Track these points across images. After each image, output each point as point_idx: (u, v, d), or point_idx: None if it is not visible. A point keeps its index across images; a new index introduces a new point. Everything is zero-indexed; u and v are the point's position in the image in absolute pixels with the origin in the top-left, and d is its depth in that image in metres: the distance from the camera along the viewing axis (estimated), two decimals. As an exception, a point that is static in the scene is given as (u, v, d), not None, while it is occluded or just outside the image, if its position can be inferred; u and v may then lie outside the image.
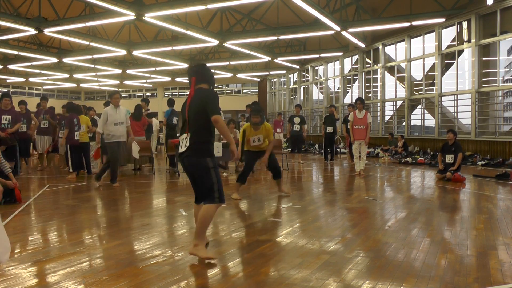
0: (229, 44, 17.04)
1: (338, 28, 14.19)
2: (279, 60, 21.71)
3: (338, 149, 16.82)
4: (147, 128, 11.47)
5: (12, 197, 6.27)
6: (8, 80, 31.33)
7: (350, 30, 14.67)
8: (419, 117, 16.90)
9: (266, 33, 16.76)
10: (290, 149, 14.29)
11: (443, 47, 15.17)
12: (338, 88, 22.24)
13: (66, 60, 21.49)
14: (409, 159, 13.76)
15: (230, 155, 3.93)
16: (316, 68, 24.44)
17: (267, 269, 3.46)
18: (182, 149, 3.81)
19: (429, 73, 16.24)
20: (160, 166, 12.33)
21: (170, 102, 11.75)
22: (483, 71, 13.62)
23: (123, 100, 13.96)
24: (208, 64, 21.51)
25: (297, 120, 13.19)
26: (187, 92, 38.32)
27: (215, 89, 4.01)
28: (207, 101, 3.75)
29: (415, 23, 13.99)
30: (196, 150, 3.74)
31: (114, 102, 8.25)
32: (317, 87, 24.72)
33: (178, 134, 11.39)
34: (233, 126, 11.42)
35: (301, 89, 26.22)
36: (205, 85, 3.91)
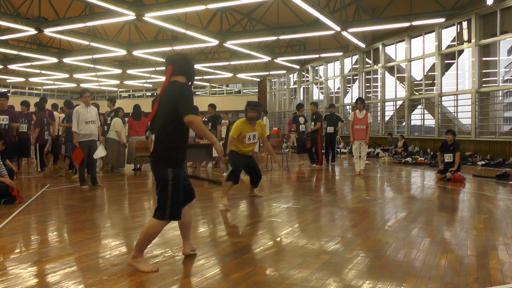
0: (229, 44, 17.04)
1: (338, 28, 14.19)
2: (279, 60, 21.72)
3: (338, 149, 16.82)
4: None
5: (10, 197, 6.27)
6: (8, 80, 31.34)
7: (350, 30, 14.68)
8: (419, 117, 16.91)
9: (266, 33, 16.77)
10: (296, 150, 14.25)
11: (443, 47, 15.17)
12: (338, 88, 22.25)
13: (66, 60, 21.50)
14: (409, 159, 13.77)
15: (218, 156, 3.54)
16: (316, 68, 24.45)
17: (267, 269, 3.46)
18: (151, 150, 3.48)
19: (429, 73, 16.24)
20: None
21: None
22: (483, 71, 13.62)
23: (123, 100, 13.99)
24: (208, 64, 21.52)
25: (302, 120, 13.21)
26: (187, 92, 38.66)
27: (191, 85, 3.56)
28: (179, 97, 3.27)
29: (415, 23, 13.99)
30: (158, 156, 3.36)
31: (84, 101, 8.11)
32: (317, 87, 24.72)
33: None
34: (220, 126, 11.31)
35: (301, 89, 26.22)
36: (182, 78, 3.45)
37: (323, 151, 12.89)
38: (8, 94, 9.77)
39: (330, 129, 12.86)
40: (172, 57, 3.53)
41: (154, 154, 3.37)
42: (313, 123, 12.90)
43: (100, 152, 8.62)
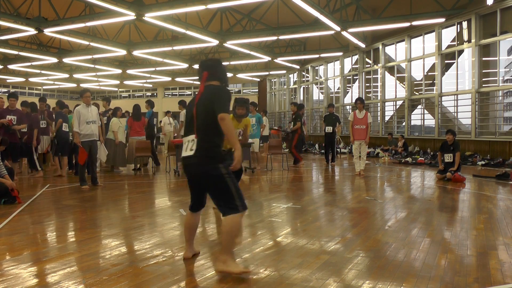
0: (229, 44, 17.04)
1: (338, 28, 14.19)
2: (279, 60, 21.72)
3: (338, 149, 16.83)
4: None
5: (9, 197, 6.27)
6: (8, 80, 31.34)
7: (350, 30, 14.67)
8: (419, 117, 16.91)
9: (266, 33, 16.76)
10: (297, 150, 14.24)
11: (443, 47, 15.17)
12: (338, 88, 22.24)
13: (66, 60, 21.50)
14: (409, 159, 13.76)
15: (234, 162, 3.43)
16: (316, 68, 24.44)
17: (267, 269, 3.46)
18: (186, 152, 3.40)
19: (429, 73, 16.24)
20: (160, 166, 12.32)
21: (150, 104, 11.75)
22: (483, 71, 13.62)
23: (123, 100, 14.00)
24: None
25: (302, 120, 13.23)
26: (187, 92, 38.38)
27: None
28: (215, 98, 3.37)
29: (415, 23, 13.99)
30: (205, 156, 3.33)
31: (85, 101, 8.13)
32: (317, 87, 24.72)
33: (181, 134, 11.38)
34: None
35: (301, 89, 26.22)
36: (217, 83, 3.54)
37: (322, 150, 12.86)
38: (7, 94, 9.74)
39: (329, 129, 12.85)
40: (206, 62, 3.63)
41: (200, 155, 3.32)
42: (292, 123, 12.90)
43: (102, 152, 8.65)
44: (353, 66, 20.95)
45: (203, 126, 3.38)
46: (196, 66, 23.74)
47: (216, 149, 3.37)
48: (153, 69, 25.42)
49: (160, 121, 17.23)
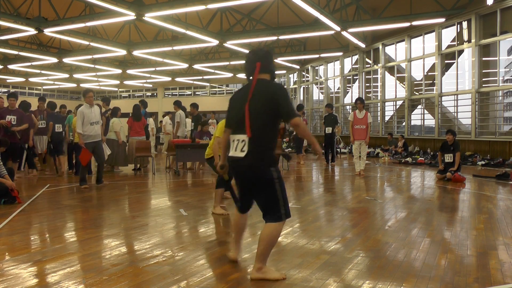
0: (229, 44, 17.04)
1: (338, 28, 14.19)
2: (279, 60, 21.71)
3: (338, 149, 16.83)
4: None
5: (11, 197, 6.27)
6: (8, 80, 31.33)
7: (350, 30, 14.68)
8: (419, 117, 16.91)
9: (266, 33, 16.77)
10: (295, 150, 14.24)
11: (443, 47, 15.17)
12: (338, 88, 22.25)
13: (66, 60, 21.50)
14: (409, 159, 13.76)
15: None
16: (316, 68, 24.44)
17: (267, 269, 3.46)
18: (236, 152, 3.18)
19: (429, 73, 16.24)
20: (160, 166, 12.32)
21: (143, 103, 11.73)
22: (483, 71, 13.62)
23: (123, 100, 14.00)
24: (208, 64, 21.46)
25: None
26: (187, 92, 38.28)
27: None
28: (280, 100, 3.10)
29: (415, 23, 13.99)
30: (259, 158, 3.12)
31: (88, 101, 8.01)
32: (317, 87, 24.72)
33: (178, 135, 11.35)
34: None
35: (301, 89, 26.23)
36: (267, 76, 3.27)
37: (323, 151, 12.86)
38: (8, 94, 9.73)
39: (328, 130, 12.84)
40: (259, 52, 3.34)
41: (252, 157, 3.11)
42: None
43: (106, 151, 8.70)
44: (353, 66, 20.95)
45: (258, 126, 3.11)
46: (196, 66, 23.91)
47: (270, 152, 3.16)
48: (153, 69, 25.42)
49: (161, 121, 17.22)
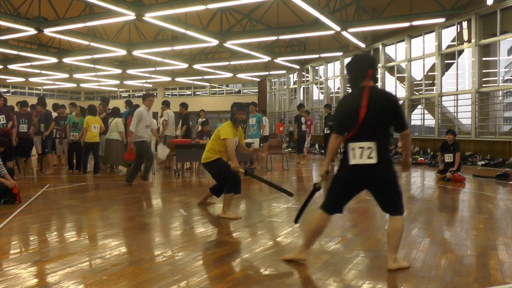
0: (229, 44, 17.04)
1: (338, 28, 14.18)
2: (279, 60, 21.71)
3: (338, 149, 16.80)
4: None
5: (11, 197, 6.27)
6: (8, 80, 31.32)
7: (350, 30, 14.67)
8: (419, 117, 16.90)
9: (266, 33, 16.76)
10: (296, 150, 14.23)
11: (443, 47, 15.16)
12: (338, 88, 22.24)
13: (66, 60, 21.49)
14: (409, 159, 13.72)
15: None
16: (316, 68, 24.43)
17: (267, 269, 3.46)
18: (363, 160, 3.28)
19: (429, 73, 16.23)
20: (160, 166, 12.32)
21: (129, 104, 11.76)
22: (483, 71, 13.62)
23: (123, 100, 14.01)
24: (208, 64, 21.40)
25: (303, 120, 13.23)
26: (187, 92, 38.33)
27: None
28: (398, 110, 3.35)
29: (415, 23, 13.98)
30: (388, 162, 3.36)
31: (148, 104, 8.30)
32: (317, 87, 24.71)
33: (166, 134, 11.32)
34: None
35: (301, 89, 26.22)
36: (373, 84, 3.43)
37: (322, 151, 12.86)
38: (8, 94, 9.75)
39: (328, 130, 12.83)
40: (369, 59, 3.49)
41: (383, 162, 3.30)
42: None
43: (165, 150, 8.95)
44: (353, 66, 20.93)
45: (382, 133, 3.31)
46: (196, 66, 23.91)
47: (390, 155, 3.50)
48: (153, 69, 25.42)
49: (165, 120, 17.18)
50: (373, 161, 3.27)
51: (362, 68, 3.38)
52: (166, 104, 11.66)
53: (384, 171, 3.33)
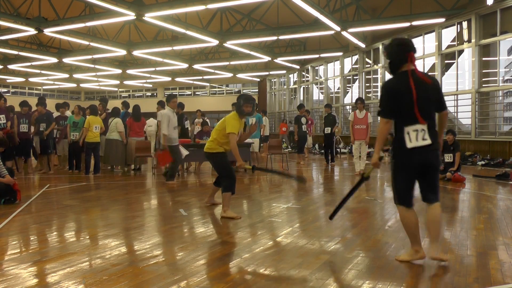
0: (229, 44, 17.04)
1: (338, 28, 14.19)
2: (279, 60, 21.71)
3: (338, 149, 16.82)
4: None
5: (13, 196, 6.27)
6: (8, 80, 31.32)
7: (350, 30, 14.67)
8: (419, 117, 16.88)
9: (266, 33, 16.76)
10: (296, 150, 14.24)
11: (443, 47, 15.17)
12: (338, 88, 22.25)
13: (66, 60, 21.49)
14: (409, 159, 13.71)
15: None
16: (316, 68, 24.44)
17: (267, 269, 3.46)
18: (419, 142, 3.32)
19: (429, 73, 16.21)
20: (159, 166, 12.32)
21: (125, 105, 11.79)
22: (483, 71, 13.62)
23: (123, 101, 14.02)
24: (208, 64, 21.40)
25: (303, 120, 13.21)
26: (187, 92, 38.37)
27: None
28: (440, 91, 3.45)
29: (415, 23, 13.98)
30: (437, 143, 3.38)
31: (172, 106, 8.46)
32: (317, 87, 24.72)
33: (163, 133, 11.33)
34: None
35: (301, 89, 26.22)
36: (414, 66, 3.42)
37: (322, 151, 12.85)
38: (8, 94, 9.78)
39: (328, 130, 12.83)
40: (409, 42, 3.48)
41: (435, 142, 3.35)
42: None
43: (184, 152, 9.10)
44: (353, 66, 20.94)
45: (431, 114, 3.39)
46: (196, 66, 23.91)
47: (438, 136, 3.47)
48: (153, 69, 25.42)
49: (159, 120, 17.19)
50: (428, 142, 3.32)
51: (404, 51, 3.39)
52: (160, 104, 11.69)
53: (436, 155, 3.39)
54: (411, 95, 3.29)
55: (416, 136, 3.31)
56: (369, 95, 19.71)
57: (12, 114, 9.70)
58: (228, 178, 5.48)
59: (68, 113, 11.46)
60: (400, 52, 3.40)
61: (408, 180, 3.48)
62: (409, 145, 3.33)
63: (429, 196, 3.49)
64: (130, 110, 11.40)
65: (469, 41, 13.88)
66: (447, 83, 15.61)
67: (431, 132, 3.34)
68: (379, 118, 3.50)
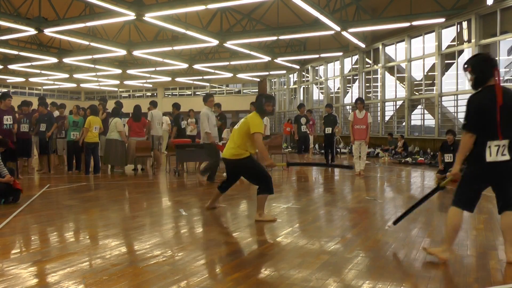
0: (229, 44, 17.03)
1: (338, 28, 14.18)
2: (279, 60, 21.71)
3: (338, 149, 16.83)
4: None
5: (14, 195, 6.27)
6: (8, 80, 31.31)
7: (350, 30, 14.66)
8: (419, 117, 16.90)
9: (266, 33, 16.75)
10: (297, 150, 14.23)
11: (443, 47, 15.16)
12: (338, 88, 22.24)
13: (66, 60, 21.48)
14: (409, 159, 13.75)
15: None
16: (316, 68, 24.44)
17: (267, 269, 3.46)
18: (498, 157, 3.39)
19: (429, 73, 16.23)
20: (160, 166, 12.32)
21: (119, 104, 11.81)
22: (483, 71, 13.59)
23: (123, 101, 14.03)
24: (208, 64, 21.34)
25: (303, 120, 13.21)
26: (187, 92, 38.42)
27: None
28: None
29: (415, 23, 13.98)
30: None
31: (210, 105, 8.64)
32: (317, 87, 24.72)
33: (152, 134, 11.32)
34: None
35: (301, 89, 26.22)
36: (496, 81, 3.49)
37: (322, 151, 12.84)
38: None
39: (328, 130, 12.81)
40: (493, 58, 3.60)
41: None
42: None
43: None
44: (353, 66, 20.94)
45: (511, 130, 3.43)
46: (196, 66, 23.91)
47: None
48: (153, 69, 25.41)
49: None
50: (506, 157, 3.39)
51: (490, 66, 3.48)
52: (152, 104, 11.76)
53: (511, 167, 3.43)
54: (495, 111, 3.39)
55: (497, 151, 3.40)
56: (369, 95, 19.71)
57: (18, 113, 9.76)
58: (265, 179, 5.18)
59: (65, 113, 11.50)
60: (487, 67, 3.49)
61: (478, 190, 3.58)
62: (489, 159, 3.42)
63: (504, 205, 3.56)
64: (124, 110, 11.47)
65: (469, 41, 13.87)
66: (447, 83, 15.60)
67: (511, 148, 3.41)
68: (462, 131, 3.52)
